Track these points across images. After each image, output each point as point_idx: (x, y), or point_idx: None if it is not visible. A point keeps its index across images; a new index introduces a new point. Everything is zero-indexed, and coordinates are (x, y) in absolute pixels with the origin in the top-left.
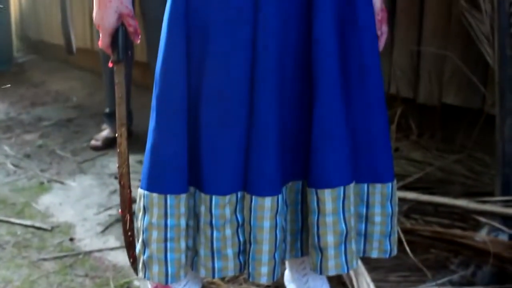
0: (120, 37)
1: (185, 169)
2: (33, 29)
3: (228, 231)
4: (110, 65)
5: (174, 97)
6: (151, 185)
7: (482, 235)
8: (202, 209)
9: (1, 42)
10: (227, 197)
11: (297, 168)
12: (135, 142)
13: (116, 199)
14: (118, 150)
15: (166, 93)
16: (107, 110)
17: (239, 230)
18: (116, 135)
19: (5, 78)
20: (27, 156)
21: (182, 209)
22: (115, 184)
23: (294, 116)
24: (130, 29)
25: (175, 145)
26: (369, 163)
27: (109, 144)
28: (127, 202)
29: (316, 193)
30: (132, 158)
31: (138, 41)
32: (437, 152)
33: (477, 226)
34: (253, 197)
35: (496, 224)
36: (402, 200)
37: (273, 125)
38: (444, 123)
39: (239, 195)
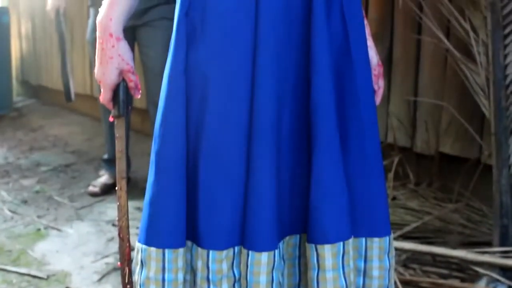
0: (121, 92)
1: (183, 224)
2: (33, 74)
3: (225, 286)
4: (111, 119)
5: (173, 154)
6: (149, 239)
7: (481, 286)
8: (199, 263)
9: (1, 86)
10: (224, 252)
11: (295, 222)
12: (134, 188)
13: (114, 246)
14: (118, 203)
15: (166, 150)
16: (105, 156)
17: (236, 285)
18: (116, 188)
19: (4, 122)
20: (24, 201)
21: (180, 263)
22: (113, 231)
23: (291, 171)
24: (131, 85)
25: (173, 201)
26: (366, 217)
27: (107, 190)
28: (126, 256)
29: (316, 249)
30: (130, 205)
31: (139, 96)
32: (434, 201)
33: (476, 277)
34: (250, 252)
35: (495, 275)
36: (400, 250)
37: (270, 181)
38: (442, 172)
39: (236, 250)
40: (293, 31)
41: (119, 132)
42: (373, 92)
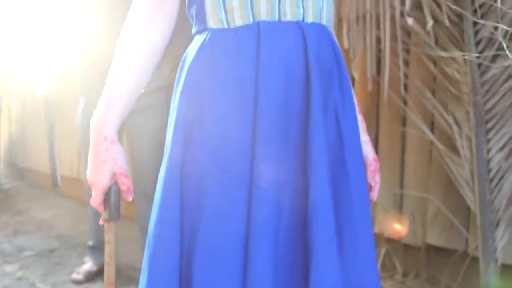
0: (112, 196)
1: None
2: (21, 156)
3: None
4: (101, 222)
5: (167, 255)
6: None
7: None
8: None
9: None
10: None
11: None
12: (118, 275)
13: None
14: None
15: (160, 249)
16: (90, 242)
17: None
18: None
19: None
20: None
21: None
22: None
23: (288, 280)
24: (123, 188)
25: None
26: None
27: (91, 277)
28: None
29: None
30: None
31: (131, 199)
32: None
33: None
34: None
35: None
36: None
37: (267, 283)
38: (429, 263)
39: None
40: (291, 133)
41: (109, 236)
42: (368, 191)
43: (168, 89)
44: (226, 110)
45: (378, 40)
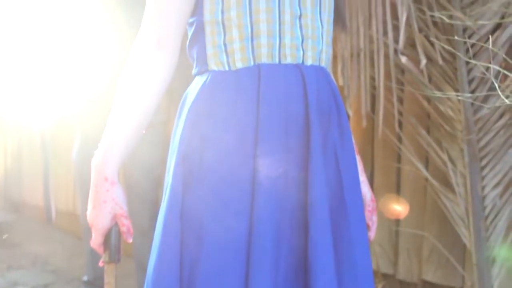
0: (113, 237)
1: None
2: (16, 190)
3: None
4: (101, 264)
5: None
6: None
7: None
8: None
9: None
10: None
11: None
12: None
13: None
14: None
15: None
16: (85, 278)
17: None
18: None
19: None
20: None
21: None
22: None
23: None
24: (123, 229)
25: None
26: None
27: None
28: None
29: None
30: None
31: (131, 240)
32: None
33: None
34: None
35: None
36: None
37: None
38: None
39: None
40: (291, 173)
41: (109, 278)
42: (366, 231)
43: (165, 125)
44: (226, 150)
45: (373, 78)
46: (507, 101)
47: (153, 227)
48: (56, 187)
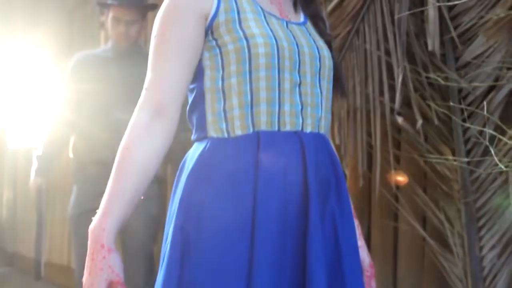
0: None
1: None
2: (10, 241)
3: None
4: None
5: None
6: None
7: None
8: None
9: None
10: None
11: None
12: None
13: None
14: None
15: None
16: None
17: None
18: None
19: None
20: None
21: None
22: None
23: None
24: None
25: None
26: None
27: None
28: None
29: None
30: None
31: None
32: None
33: None
34: None
35: None
36: None
37: None
38: None
39: None
40: (289, 245)
41: None
42: None
43: (160, 181)
44: (224, 221)
45: (369, 136)
46: (502, 166)
47: (148, 284)
48: (51, 240)
